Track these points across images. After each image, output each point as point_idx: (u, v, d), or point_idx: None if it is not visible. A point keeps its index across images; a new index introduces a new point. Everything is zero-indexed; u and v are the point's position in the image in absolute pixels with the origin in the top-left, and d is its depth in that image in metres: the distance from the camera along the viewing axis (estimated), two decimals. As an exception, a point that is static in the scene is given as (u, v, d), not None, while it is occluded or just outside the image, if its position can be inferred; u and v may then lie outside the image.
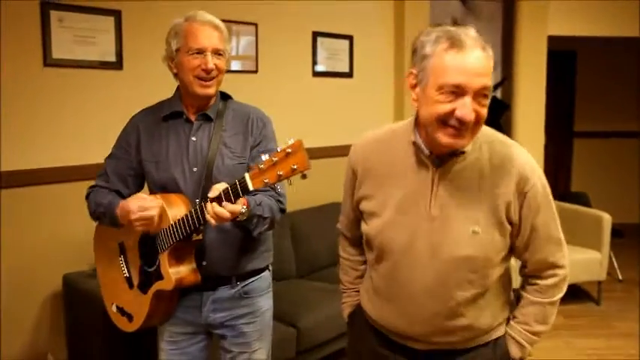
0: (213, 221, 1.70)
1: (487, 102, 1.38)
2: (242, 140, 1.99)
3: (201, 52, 1.90)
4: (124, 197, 2.06)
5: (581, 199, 5.31)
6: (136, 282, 2.02)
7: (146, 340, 2.20)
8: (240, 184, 1.63)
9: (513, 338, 1.59)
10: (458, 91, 1.34)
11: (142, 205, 1.84)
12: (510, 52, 5.16)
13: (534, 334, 1.58)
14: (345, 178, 1.70)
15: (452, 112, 1.35)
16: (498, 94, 5.36)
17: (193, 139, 1.97)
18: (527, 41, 4.97)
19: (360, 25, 4.50)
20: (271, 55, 3.91)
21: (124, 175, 2.05)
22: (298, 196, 4.06)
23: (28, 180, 2.85)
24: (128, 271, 2.06)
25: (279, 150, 1.55)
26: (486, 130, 1.52)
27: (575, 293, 4.79)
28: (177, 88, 2.03)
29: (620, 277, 5.23)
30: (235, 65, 3.77)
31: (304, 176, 1.54)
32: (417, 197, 1.50)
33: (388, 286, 1.59)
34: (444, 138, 1.39)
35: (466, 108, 1.33)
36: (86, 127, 3.02)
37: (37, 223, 2.91)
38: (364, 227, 1.62)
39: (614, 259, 5.17)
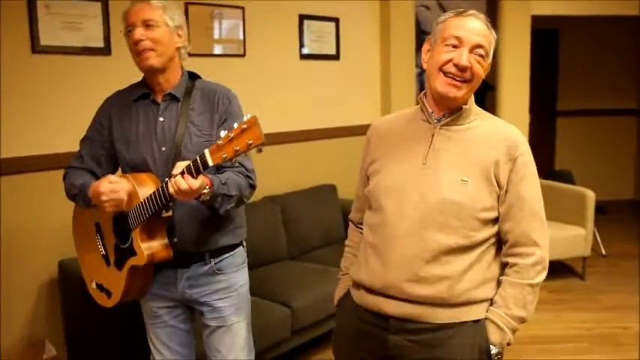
0: (175, 194, 1.74)
1: (484, 64, 1.61)
2: (209, 118, 2.02)
3: (131, 27, 1.94)
4: (97, 178, 2.09)
5: (565, 177, 5.39)
6: (112, 259, 2.07)
7: (140, 324, 2.23)
8: (200, 160, 1.70)
9: (493, 322, 1.61)
10: (457, 44, 1.59)
11: (112, 188, 1.88)
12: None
13: (514, 318, 1.60)
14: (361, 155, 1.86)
15: (451, 60, 1.59)
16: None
17: (161, 119, 2.01)
18: (510, 22, 4.99)
19: (346, 7, 4.50)
20: (258, 38, 3.91)
21: (97, 156, 2.10)
22: (288, 178, 4.12)
23: (23, 167, 2.85)
24: (105, 249, 2.11)
25: (235, 126, 1.62)
26: (485, 112, 1.73)
27: (561, 269, 4.89)
28: None
29: (604, 253, 5.34)
30: (223, 49, 3.77)
31: (260, 150, 1.62)
32: (415, 148, 1.67)
33: (376, 234, 1.67)
34: (441, 86, 1.61)
35: (462, 56, 1.58)
36: (78, 114, 2.99)
37: (31, 210, 2.91)
38: (367, 189, 1.74)
39: (597, 235, 5.27)
